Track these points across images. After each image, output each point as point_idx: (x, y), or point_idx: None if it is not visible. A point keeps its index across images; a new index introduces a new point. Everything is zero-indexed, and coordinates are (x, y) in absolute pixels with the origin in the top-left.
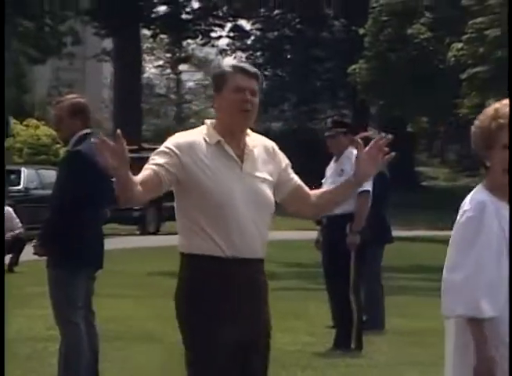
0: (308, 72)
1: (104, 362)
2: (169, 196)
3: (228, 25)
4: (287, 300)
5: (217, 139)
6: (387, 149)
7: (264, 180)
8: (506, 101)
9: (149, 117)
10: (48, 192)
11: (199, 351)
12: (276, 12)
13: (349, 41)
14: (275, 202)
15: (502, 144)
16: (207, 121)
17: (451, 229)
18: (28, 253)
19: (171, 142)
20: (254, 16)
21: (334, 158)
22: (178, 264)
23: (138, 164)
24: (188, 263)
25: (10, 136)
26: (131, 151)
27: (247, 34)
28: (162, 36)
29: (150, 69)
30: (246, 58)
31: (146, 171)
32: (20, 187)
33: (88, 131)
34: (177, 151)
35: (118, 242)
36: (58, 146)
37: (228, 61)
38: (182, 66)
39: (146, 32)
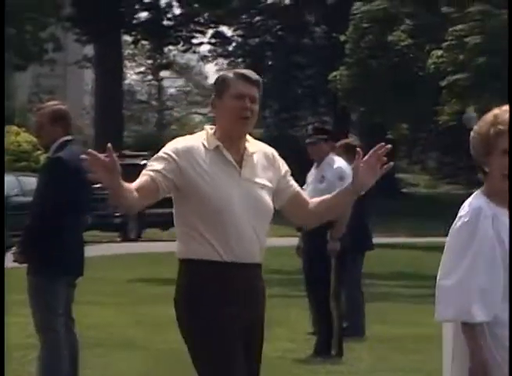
0: (289, 79)
1: (85, 369)
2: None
3: (210, 31)
4: (268, 307)
5: (215, 145)
6: (385, 158)
7: (263, 186)
8: (505, 107)
9: (131, 124)
10: (29, 199)
11: (202, 354)
12: (257, 18)
13: (330, 48)
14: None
15: (500, 150)
16: (207, 127)
17: (431, 235)
18: (8, 260)
19: (169, 147)
20: (235, 23)
21: (315, 165)
22: (159, 270)
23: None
24: (186, 269)
25: None
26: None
27: (229, 40)
28: (143, 42)
29: (132, 75)
30: (228, 64)
31: (143, 177)
32: None
33: (68, 137)
34: (175, 156)
35: (99, 249)
36: (39, 152)
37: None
38: (164, 73)
39: (127, 38)
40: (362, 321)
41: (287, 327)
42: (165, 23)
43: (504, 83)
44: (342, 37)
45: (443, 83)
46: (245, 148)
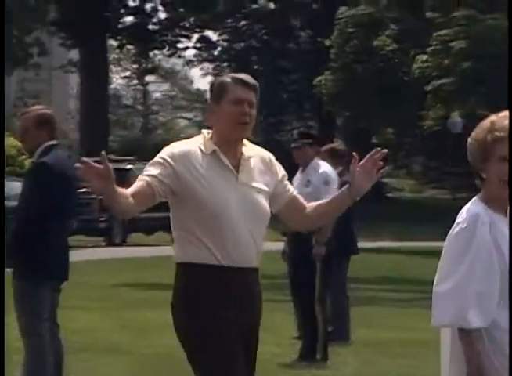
0: (274, 83)
1: (70, 374)
2: None
3: (195, 36)
4: None
5: (212, 149)
6: (381, 163)
7: (260, 190)
8: (502, 114)
9: (116, 128)
10: (14, 203)
11: (200, 357)
12: (243, 23)
13: (315, 53)
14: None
15: (498, 156)
16: (204, 131)
17: (416, 240)
18: None
19: (165, 152)
20: (220, 27)
21: (300, 169)
22: (144, 275)
23: None
24: (183, 272)
25: None
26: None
27: (214, 45)
28: (129, 47)
29: (117, 80)
30: (213, 69)
31: (139, 182)
32: None
33: (53, 142)
34: (171, 161)
35: (84, 254)
36: (23, 157)
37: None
38: (149, 77)
39: (112, 43)
40: (347, 325)
41: (272, 332)
42: (151, 27)
43: (490, 87)
44: (327, 42)
45: (428, 88)
46: (242, 152)
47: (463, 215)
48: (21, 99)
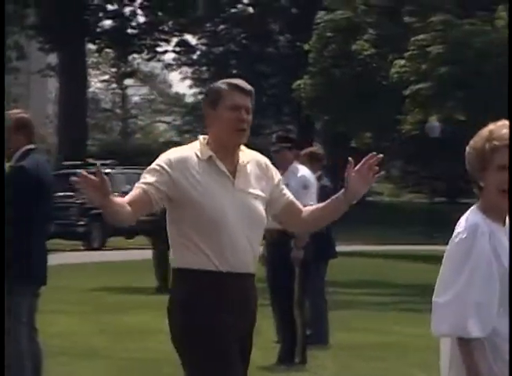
0: (253, 87)
1: None
2: None
3: (174, 40)
4: None
5: (209, 155)
6: (377, 168)
7: (256, 196)
8: (500, 123)
9: (95, 132)
10: None
11: (197, 361)
12: (222, 27)
13: (294, 57)
14: None
15: (496, 165)
16: (200, 137)
17: (394, 244)
18: None
19: (162, 159)
20: (199, 31)
21: (279, 173)
22: (123, 279)
23: None
24: (181, 277)
25: None
26: (75, 166)
27: (193, 48)
28: (107, 50)
29: (96, 83)
30: (192, 73)
31: (136, 190)
32: None
33: (31, 146)
34: (167, 168)
35: (62, 258)
36: None
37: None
38: (128, 81)
39: (91, 46)
40: (325, 329)
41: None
42: (129, 31)
43: (467, 92)
44: (306, 47)
45: (406, 92)
46: (238, 158)
47: (462, 225)
48: None
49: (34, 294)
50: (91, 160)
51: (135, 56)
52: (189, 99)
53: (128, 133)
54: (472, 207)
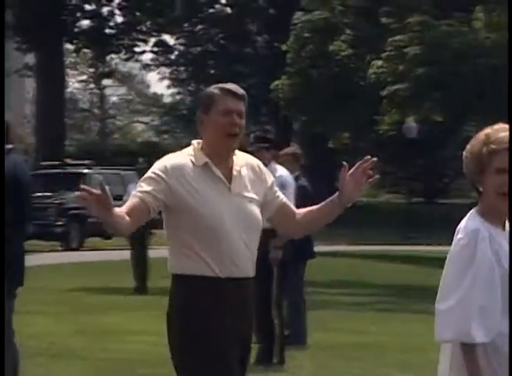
0: None
1: None
2: None
3: (152, 40)
4: None
5: (204, 161)
6: (371, 171)
7: (252, 200)
8: (496, 126)
9: (73, 132)
10: None
11: (196, 363)
12: (200, 27)
13: (272, 57)
14: None
15: (494, 168)
16: (194, 142)
17: (371, 243)
18: None
19: (157, 166)
20: (177, 32)
21: None
22: (101, 280)
23: (60, 180)
24: (180, 283)
25: None
26: (53, 167)
27: (171, 49)
28: (85, 50)
29: (74, 84)
30: (170, 73)
31: (134, 199)
32: None
33: (9, 146)
34: (164, 176)
35: (40, 258)
36: None
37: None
38: (106, 81)
39: (69, 46)
40: (303, 329)
41: None
42: (107, 31)
43: (444, 93)
44: (283, 47)
45: (383, 93)
46: (233, 162)
47: (462, 231)
48: None
49: (11, 294)
50: (69, 161)
51: (113, 56)
52: (167, 100)
53: (105, 133)
54: (471, 211)
